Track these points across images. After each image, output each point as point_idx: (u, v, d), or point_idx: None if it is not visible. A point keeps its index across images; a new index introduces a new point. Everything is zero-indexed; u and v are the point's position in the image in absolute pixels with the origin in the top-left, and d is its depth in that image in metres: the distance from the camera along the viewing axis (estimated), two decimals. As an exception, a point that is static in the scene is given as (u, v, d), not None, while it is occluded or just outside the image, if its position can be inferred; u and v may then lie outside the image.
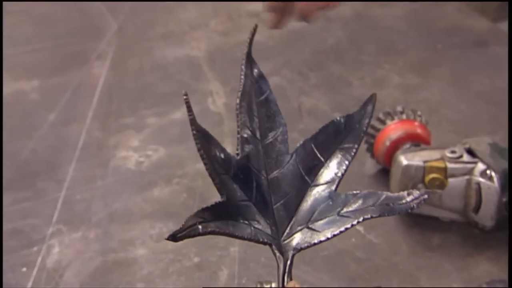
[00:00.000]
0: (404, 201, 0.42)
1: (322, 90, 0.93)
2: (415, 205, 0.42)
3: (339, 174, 0.45)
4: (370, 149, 0.72)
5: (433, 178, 0.61)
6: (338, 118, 0.47)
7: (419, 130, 0.69)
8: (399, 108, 0.71)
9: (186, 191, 0.73)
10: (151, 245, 0.65)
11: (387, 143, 0.69)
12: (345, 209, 0.43)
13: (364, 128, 0.46)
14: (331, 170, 0.46)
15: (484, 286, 0.53)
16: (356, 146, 0.46)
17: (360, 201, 0.43)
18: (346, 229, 0.42)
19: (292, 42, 1.07)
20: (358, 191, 0.44)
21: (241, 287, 0.59)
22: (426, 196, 0.42)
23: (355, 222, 0.42)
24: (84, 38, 1.12)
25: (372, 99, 0.47)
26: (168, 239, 0.38)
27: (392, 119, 0.70)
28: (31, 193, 0.74)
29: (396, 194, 0.43)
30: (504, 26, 1.17)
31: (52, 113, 0.90)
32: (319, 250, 0.63)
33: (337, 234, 0.42)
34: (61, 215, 0.70)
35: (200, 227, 0.39)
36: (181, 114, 0.89)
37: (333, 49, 1.04)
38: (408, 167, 0.62)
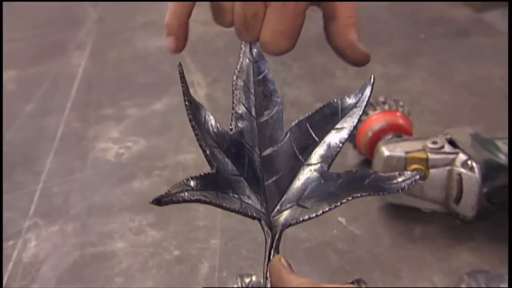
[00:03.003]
0: (395, 181, 0.42)
1: (305, 81, 0.92)
2: (406, 186, 0.41)
3: (333, 154, 0.45)
4: (353, 140, 0.72)
5: (415, 169, 0.61)
6: (335, 100, 0.47)
7: (401, 121, 0.69)
8: (381, 99, 0.71)
9: (167, 183, 0.72)
10: (131, 238, 0.64)
11: (369, 134, 0.68)
12: (336, 188, 0.43)
13: (361, 111, 0.46)
14: (324, 150, 0.45)
15: (465, 276, 0.53)
16: (351, 127, 0.45)
17: (351, 180, 0.43)
18: (336, 206, 0.42)
19: (275, 32, 1.06)
20: (349, 170, 0.44)
21: (221, 283, 0.58)
22: (417, 176, 0.41)
23: (344, 200, 0.41)
24: (63, 28, 1.09)
25: (371, 81, 0.46)
26: (152, 202, 0.37)
27: (374, 109, 0.70)
28: (7, 185, 0.72)
29: (387, 174, 0.42)
30: (488, 16, 1.17)
31: (29, 104, 0.88)
32: (301, 242, 0.62)
33: (326, 211, 0.42)
34: (38, 208, 0.68)
35: (186, 194, 0.39)
36: (162, 105, 0.88)
37: (316, 39, 1.03)
38: (390, 158, 0.62)
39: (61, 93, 0.90)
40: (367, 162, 0.70)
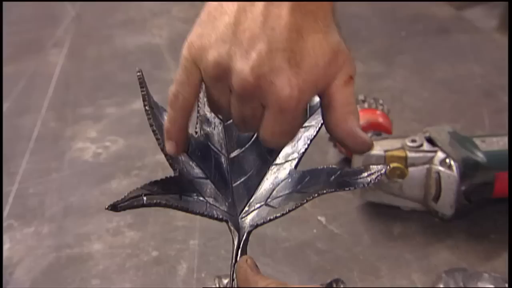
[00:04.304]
0: (360, 176, 0.42)
1: (285, 79, 0.92)
2: (371, 180, 0.41)
3: (300, 152, 0.45)
4: (333, 138, 0.72)
5: (394, 168, 0.60)
6: None
7: (380, 119, 0.68)
8: (361, 97, 0.71)
9: (146, 183, 0.71)
10: (108, 239, 0.63)
11: (349, 132, 0.68)
12: (303, 186, 0.43)
13: None
14: (292, 148, 0.46)
15: (443, 275, 0.53)
16: (318, 125, 0.45)
17: (318, 177, 0.43)
18: (302, 204, 0.42)
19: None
20: (316, 167, 0.44)
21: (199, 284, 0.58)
22: (383, 171, 0.41)
23: (310, 198, 0.41)
24: (40, 25, 1.08)
25: None
26: (108, 208, 0.36)
27: (354, 107, 0.69)
28: (-19, 186, 0.71)
29: (353, 169, 0.43)
30: (468, 14, 1.18)
31: (5, 103, 0.86)
32: (280, 241, 0.62)
33: (292, 209, 0.42)
34: (12, 209, 0.67)
35: (145, 198, 0.38)
36: (141, 104, 0.87)
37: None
38: (369, 156, 0.61)
39: (38, 92, 0.89)
40: (348, 160, 0.69)
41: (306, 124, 0.46)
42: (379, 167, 0.41)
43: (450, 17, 1.09)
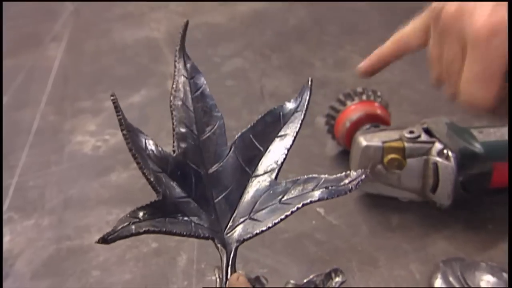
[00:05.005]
0: (342, 183, 0.42)
1: (284, 72, 0.92)
2: (353, 187, 0.42)
3: (279, 162, 0.45)
4: (331, 130, 0.72)
5: (392, 159, 0.61)
6: (275, 107, 0.47)
7: (378, 111, 0.69)
8: (359, 89, 0.71)
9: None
10: (108, 231, 0.63)
11: (347, 124, 0.68)
12: (286, 197, 0.43)
13: (302, 115, 0.46)
14: (270, 159, 0.45)
15: (441, 264, 0.54)
16: (294, 133, 0.46)
17: (300, 187, 0.43)
18: (286, 216, 0.42)
19: (254, 23, 1.06)
20: (298, 178, 0.44)
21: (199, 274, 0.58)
22: (363, 176, 0.42)
23: (294, 209, 0.42)
24: (38, 19, 1.08)
25: (308, 84, 0.47)
26: (98, 242, 0.37)
27: (352, 100, 0.70)
28: (-19, 180, 0.71)
29: (334, 176, 0.43)
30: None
31: (4, 96, 0.86)
32: (279, 233, 0.62)
33: (278, 222, 0.42)
34: (12, 202, 0.67)
35: (133, 227, 0.38)
36: (139, 97, 0.87)
37: (295, 30, 1.03)
38: (367, 148, 0.62)
39: (37, 86, 0.89)
40: (346, 152, 0.70)
41: (281, 133, 0.46)
42: (359, 172, 0.42)
43: (447, 10, 1.09)
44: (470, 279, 0.51)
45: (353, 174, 0.42)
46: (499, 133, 0.62)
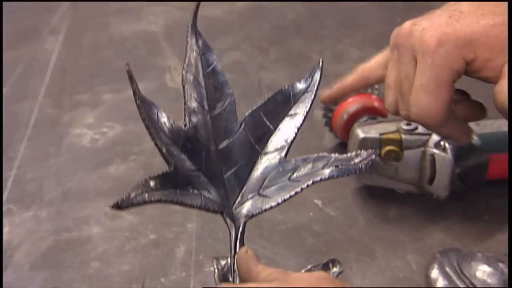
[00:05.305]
0: (352, 162, 0.42)
1: (282, 65, 0.92)
2: (363, 166, 0.42)
3: (289, 141, 0.45)
4: (329, 123, 0.72)
5: (389, 151, 0.61)
6: (286, 87, 0.47)
7: (376, 103, 0.69)
8: (357, 82, 0.71)
9: (143, 168, 0.72)
10: (107, 223, 0.64)
11: (345, 117, 0.69)
12: (295, 174, 0.43)
13: (313, 95, 0.46)
14: (280, 137, 0.46)
15: (437, 255, 0.54)
16: (304, 112, 0.46)
17: (309, 165, 0.43)
18: (296, 193, 0.42)
19: (252, 17, 1.06)
20: (307, 156, 0.44)
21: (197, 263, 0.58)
22: (373, 156, 0.42)
23: (304, 186, 0.42)
24: (36, 12, 1.08)
25: (319, 65, 0.47)
26: (112, 208, 0.37)
27: (350, 92, 0.70)
28: (-20, 172, 0.71)
29: (344, 155, 0.43)
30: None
31: (2, 89, 0.86)
32: (277, 224, 0.62)
33: (288, 199, 0.42)
34: (11, 194, 0.68)
35: (146, 195, 0.38)
36: (138, 90, 0.87)
37: (293, 24, 1.03)
38: (364, 139, 0.62)
39: (35, 79, 0.89)
40: (344, 145, 0.70)
41: (291, 112, 0.46)
42: (370, 152, 0.42)
43: (445, 3, 1.09)
44: (466, 269, 0.52)
45: (364, 153, 0.42)
46: (495, 125, 0.62)
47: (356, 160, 0.42)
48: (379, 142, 0.61)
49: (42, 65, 0.92)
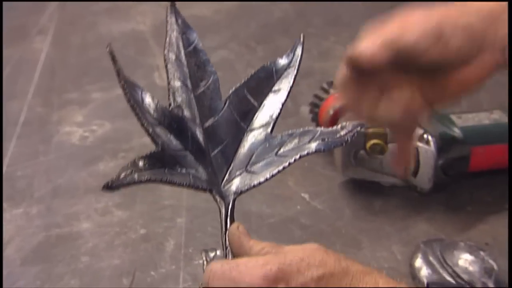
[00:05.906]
0: (338, 135, 0.43)
1: (269, 63, 0.93)
2: (349, 138, 0.42)
3: (274, 117, 0.46)
4: (315, 118, 0.73)
5: (374, 144, 0.62)
6: (268, 63, 0.47)
7: (361, 99, 0.70)
8: (342, 78, 0.72)
9: (131, 160, 0.72)
10: (96, 218, 0.64)
11: (331, 112, 0.70)
12: (282, 149, 0.44)
13: (295, 70, 0.46)
14: (265, 114, 0.46)
15: (421, 245, 0.55)
16: (288, 88, 0.46)
17: (296, 140, 0.44)
18: (284, 168, 0.42)
19: (240, 15, 1.07)
20: (293, 131, 0.44)
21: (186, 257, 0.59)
22: (359, 128, 0.42)
23: (292, 160, 0.42)
24: (24, 12, 1.08)
25: (300, 40, 0.47)
26: (103, 189, 0.37)
27: (336, 88, 0.71)
28: (-30, 170, 0.71)
29: (330, 129, 0.43)
30: (448, -1, 1.19)
31: (-9, 89, 0.87)
32: (265, 218, 0.63)
33: (276, 174, 0.43)
34: (1, 191, 0.68)
35: (136, 175, 0.39)
36: (126, 88, 0.88)
37: (280, 22, 1.04)
38: (350, 134, 0.63)
39: (24, 78, 0.89)
40: (330, 140, 0.71)
41: (275, 88, 0.46)
42: (355, 123, 0.42)
43: (431, 0, 1.10)
44: (449, 258, 0.53)
45: (349, 125, 0.43)
46: (477, 118, 0.64)
47: (342, 133, 0.42)
48: (364, 136, 0.63)
49: (31, 64, 0.92)
